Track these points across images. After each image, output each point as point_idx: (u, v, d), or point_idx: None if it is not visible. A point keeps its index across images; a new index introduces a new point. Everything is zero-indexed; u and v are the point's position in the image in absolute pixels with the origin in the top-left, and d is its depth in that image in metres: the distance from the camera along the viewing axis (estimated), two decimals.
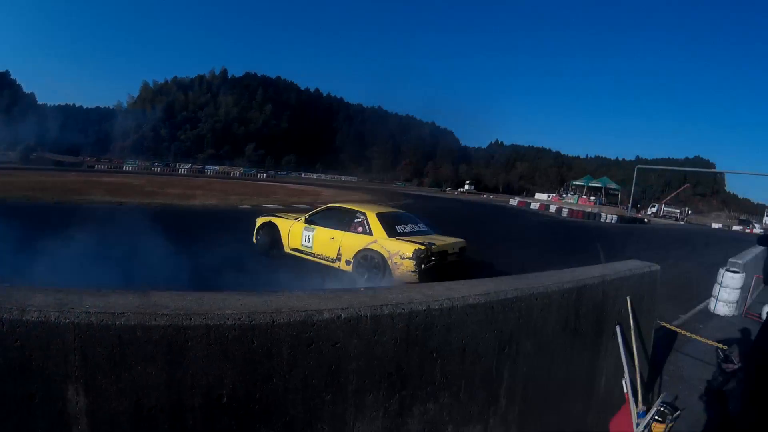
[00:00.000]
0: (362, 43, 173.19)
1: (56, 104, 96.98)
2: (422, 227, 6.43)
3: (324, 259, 6.19)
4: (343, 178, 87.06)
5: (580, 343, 2.46)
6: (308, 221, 6.57)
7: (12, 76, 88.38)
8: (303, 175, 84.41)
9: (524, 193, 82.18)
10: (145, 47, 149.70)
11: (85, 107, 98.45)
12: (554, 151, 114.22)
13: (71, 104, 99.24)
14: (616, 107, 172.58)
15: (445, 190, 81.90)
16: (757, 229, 55.11)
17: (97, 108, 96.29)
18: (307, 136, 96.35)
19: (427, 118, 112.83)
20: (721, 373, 1.78)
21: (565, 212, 40.47)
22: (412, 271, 5.33)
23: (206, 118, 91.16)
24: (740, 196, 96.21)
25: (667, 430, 2.97)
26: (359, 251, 5.76)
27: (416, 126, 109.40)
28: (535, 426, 2.22)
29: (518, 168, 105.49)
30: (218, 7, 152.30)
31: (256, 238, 7.17)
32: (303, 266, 6.34)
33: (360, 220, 6.04)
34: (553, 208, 43.18)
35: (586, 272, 2.60)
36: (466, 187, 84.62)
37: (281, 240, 6.78)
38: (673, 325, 5.13)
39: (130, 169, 69.51)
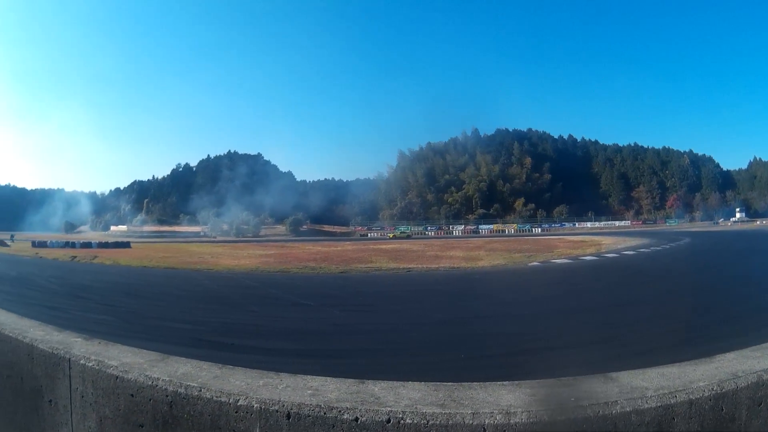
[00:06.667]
0: (608, 79, 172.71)
1: (314, 180, 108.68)
2: None
3: None
4: (617, 223, 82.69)
5: None
6: None
7: (265, 158, 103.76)
8: (576, 225, 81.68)
9: None
10: (397, 121, 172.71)
11: (345, 180, 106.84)
12: None
13: (329, 178, 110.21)
14: None
15: (717, 222, 75.67)
16: None
17: (357, 180, 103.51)
18: (571, 185, 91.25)
19: (683, 146, 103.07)
20: None
21: None
22: None
23: (470, 179, 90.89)
24: None
25: None
26: None
27: (675, 157, 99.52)
28: None
29: None
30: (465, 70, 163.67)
31: None
32: None
33: None
34: None
35: None
36: (737, 216, 77.35)
37: None
38: None
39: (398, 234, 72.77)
